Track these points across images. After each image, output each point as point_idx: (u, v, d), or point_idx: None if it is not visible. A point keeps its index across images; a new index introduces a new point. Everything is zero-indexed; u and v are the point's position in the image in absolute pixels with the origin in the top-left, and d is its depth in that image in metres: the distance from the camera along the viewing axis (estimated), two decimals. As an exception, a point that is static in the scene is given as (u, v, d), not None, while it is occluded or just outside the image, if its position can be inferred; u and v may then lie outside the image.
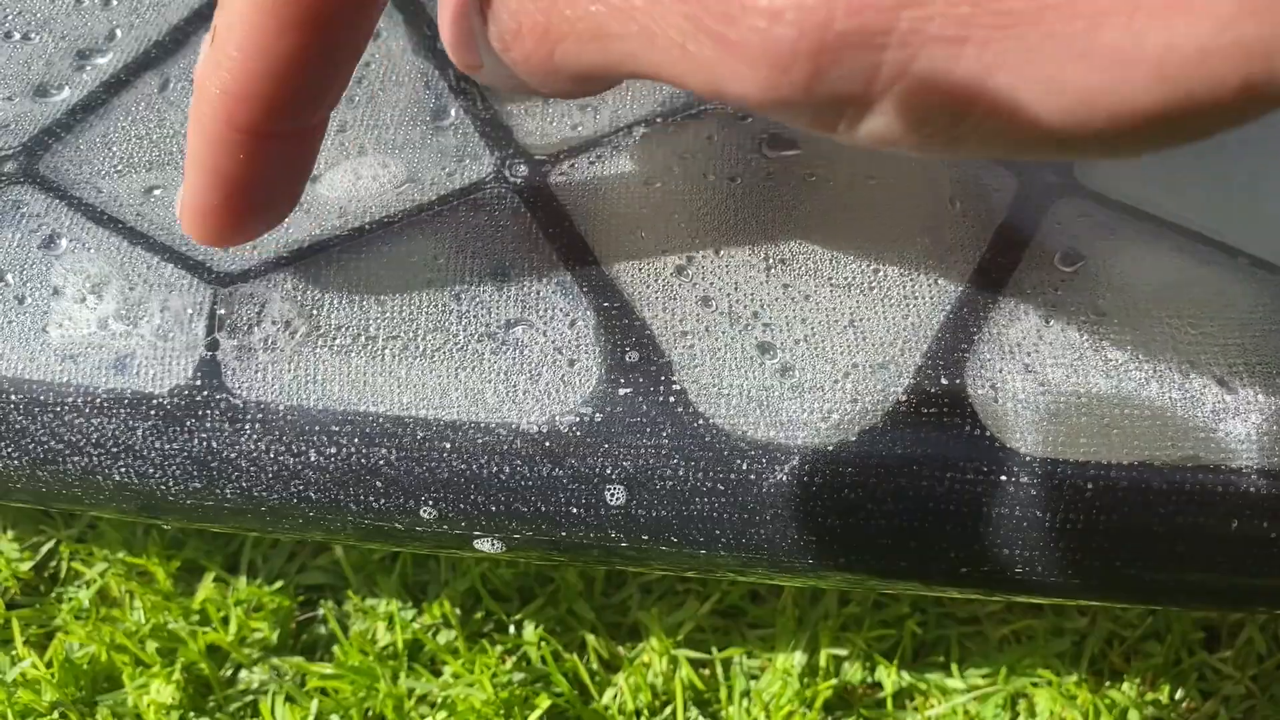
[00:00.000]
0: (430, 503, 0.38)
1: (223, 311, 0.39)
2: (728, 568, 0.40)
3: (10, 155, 0.43)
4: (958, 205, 0.41)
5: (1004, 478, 0.36)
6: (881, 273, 0.39)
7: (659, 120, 0.44)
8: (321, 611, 0.55)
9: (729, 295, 0.39)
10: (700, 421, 0.37)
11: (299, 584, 0.55)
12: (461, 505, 0.38)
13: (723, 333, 0.38)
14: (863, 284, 0.39)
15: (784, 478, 0.37)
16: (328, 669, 0.52)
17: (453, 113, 0.44)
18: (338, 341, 0.39)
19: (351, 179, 0.42)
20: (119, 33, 0.47)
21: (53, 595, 0.55)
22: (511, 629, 0.54)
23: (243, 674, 0.53)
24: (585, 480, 0.37)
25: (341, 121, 0.44)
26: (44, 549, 0.56)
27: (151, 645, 0.52)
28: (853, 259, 0.40)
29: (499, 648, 0.53)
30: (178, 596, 0.54)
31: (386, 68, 0.45)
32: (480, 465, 0.37)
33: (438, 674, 0.53)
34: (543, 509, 0.38)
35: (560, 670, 0.52)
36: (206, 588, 0.54)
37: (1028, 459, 0.36)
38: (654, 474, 0.37)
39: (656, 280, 0.39)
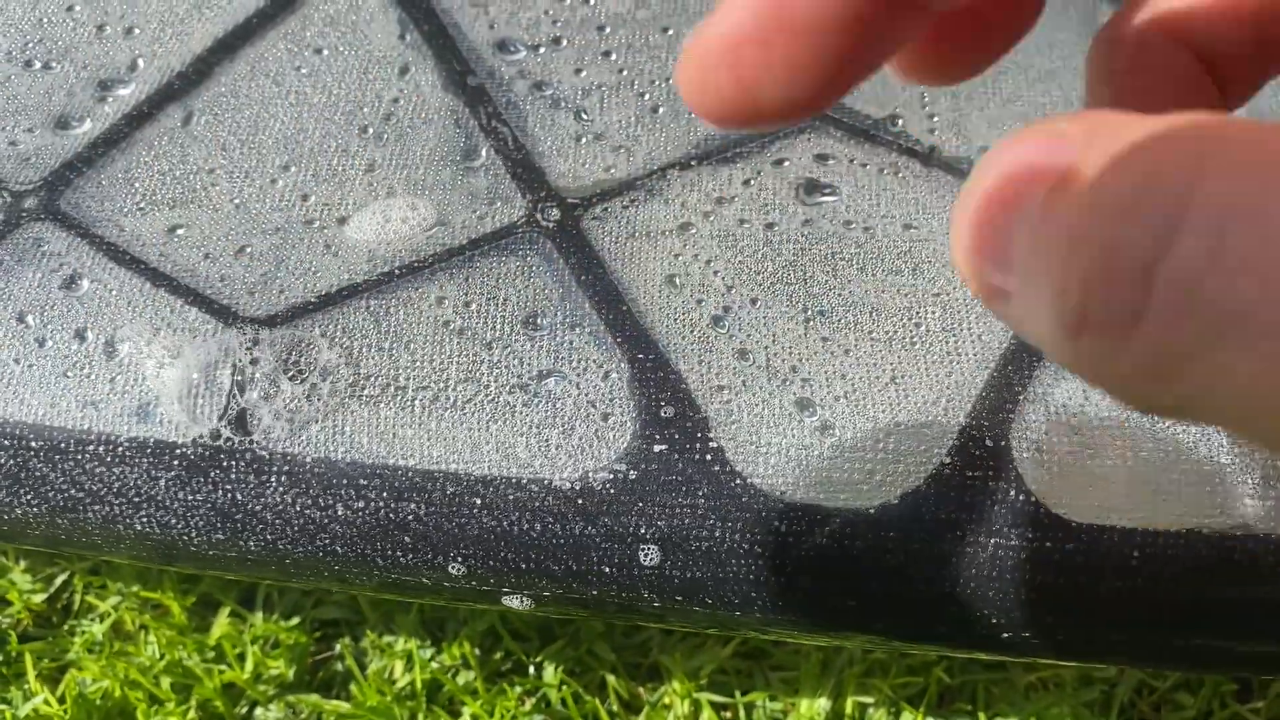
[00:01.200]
0: (459, 559, 0.37)
1: (249, 359, 0.38)
2: (756, 627, 0.39)
3: (31, 190, 0.43)
4: (1000, 256, 0.40)
5: (1048, 544, 0.35)
6: (923, 328, 0.38)
7: (694, 163, 0.43)
8: (339, 648, 0.54)
9: (767, 348, 0.38)
10: (738, 481, 0.36)
11: (315, 619, 0.54)
12: (491, 562, 0.37)
13: (760, 388, 0.37)
14: (904, 339, 0.38)
15: (823, 540, 0.36)
16: (344, 708, 0.52)
17: (484, 153, 0.43)
18: (366, 391, 0.38)
19: (380, 221, 0.41)
20: (141, 62, 0.46)
21: (65, 628, 0.54)
22: (531, 670, 0.53)
23: (258, 711, 0.52)
24: (619, 539, 0.36)
25: (370, 160, 0.43)
26: (57, 580, 0.55)
27: (166, 681, 0.51)
28: (893, 312, 0.39)
29: (518, 689, 0.52)
30: (192, 631, 0.53)
31: (416, 104, 0.45)
32: (511, 522, 0.36)
33: (456, 715, 0.52)
34: (574, 567, 0.37)
35: (580, 713, 0.51)
36: (222, 623, 0.53)
37: (1073, 525, 0.35)
38: (689, 534, 0.36)
39: (692, 331, 0.38)
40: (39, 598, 0.55)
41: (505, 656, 0.54)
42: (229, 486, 0.37)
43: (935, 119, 0.44)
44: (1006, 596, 0.36)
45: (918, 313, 0.39)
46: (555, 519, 0.36)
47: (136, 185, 0.43)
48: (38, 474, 0.38)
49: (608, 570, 0.37)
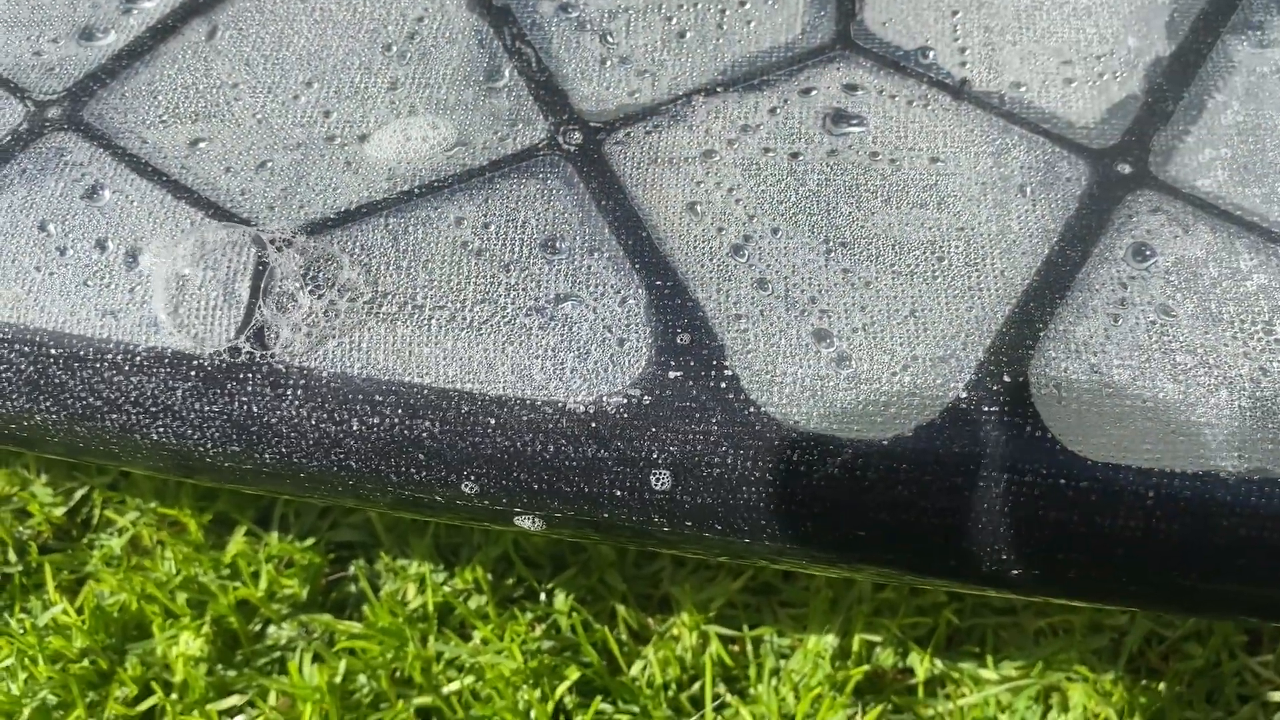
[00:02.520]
0: (472, 478, 0.37)
1: (267, 272, 0.38)
2: (766, 556, 0.39)
3: (54, 100, 0.43)
4: (1028, 193, 0.39)
5: (1063, 481, 0.35)
6: (945, 262, 0.38)
7: (719, 89, 0.42)
8: (353, 569, 0.55)
9: (786, 278, 0.38)
10: (751, 409, 0.36)
11: (330, 540, 0.55)
12: (504, 482, 0.37)
13: (778, 317, 0.37)
14: (925, 273, 0.38)
15: (835, 471, 0.36)
16: (356, 628, 0.52)
17: (507, 74, 0.43)
18: (384, 309, 0.38)
19: (401, 140, 0.41)
20: (167, -25, 0.46)
21: (84, 541, 0.55)
22: (542, 597, 0.53)
23: (271, 629, 0.53)
24: (631, 463, 0.36)
25: (392, 78, 0.43)
26: (77, 495, 0.56)
27: (181, 597, 0.52)
28: (916, 246, 0.38)
29: (529, 615, 0.52)
30: (208, 549, 0.54)
31: (440, 23, 0.44)
32: (524, 442, 0.37)
33: (467, 638, 0.53)
34: (586, 490, 0.37)
35: (589, 640, 0.52)
36: (238, 541, 0.54)
37: (1089, 463, 0.35)
38: (702, 461, 0.36)
39: (711, 260, 0.38)
40: (59, 511, 0.56)
41: (517, 583, 0.54)
42: (245, 399, 0.37)
43: (967, 52, 0.43)
44: (1018, 532, 0.36)
45: (941, 247, 0.38)
46: (568, 441, 0.36)
47: (159, 98, 0.42)
48: (57, 381, 0.38)
49: (619, 494, 0.37)
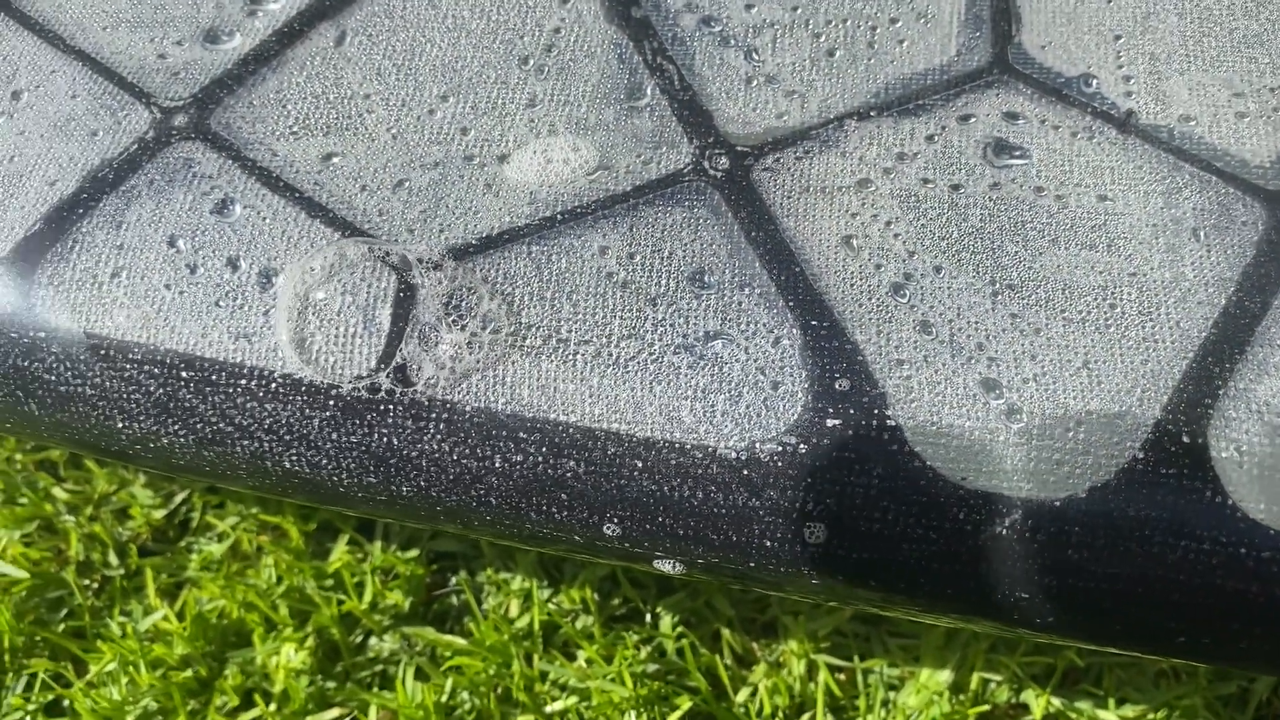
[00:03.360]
0: (615, 520, 0.36)
1: (410, 301, 0.37)
2: (918, 613, 0.37)
3: (181, 107, 0.41)
4: (1201, 237, 0.37)
5: (1243, 550, 0.33)
6: (1118, 310, 0.36)
7: (873, 113, 0.40)
8: (455, 582, 0.54)
9: (951, 322, 0.36)
10: (916, 463, 0.34)
11: (432, 550, 0.54)
12: (648, 526, 0.36)
13: (943, 364, 0.35)
14: (1097, 321, 0.36)
15: (1003, 531, 0.34)
16: (460, 643, 0.51)
17: (649, 91, 0.41)
18: (528, 341, 0.36)
19: (541, 162, 0.39)
20: (291, -25, 0.44)
21: (183, 544, 0.54)
22: (648, 618, 0.52)
23: (373, 641, 0.52)
24: (783, 514, 0.35)
25: (530, 94, 0.41)
26: (177, 498, 0.55)
27: (284, 606, 0.51)
28: (1086, 291, 0.36)
29: (634, 636, 0.51)
30: (309, 557, 0.53)
31: (578, 35, 0.42)
32: (672, 487, 0.35)
33: (571, 658, 0.51)
34: (734, 539, 0.35)
35: (697, 665, 0.51)
36: (340, 551, 0.53)
37: (1272, 532, 0.33)
38: (860, 515, 0.34)
39: (870, 299, 0.36)
40: (159, 513, 0.55)
41: (623, 603, 0.53)
42: (385, 431, 0.36)
43: (1131, 81, 0.41)
44: (1193, 601, 0.34)
45: (1112, 293, 0.36)
46: (718, 488, 0.35)
47: (289, 108, 0.41)
48: (187, 405, 0.37)
49: (769, 545, 0.35)
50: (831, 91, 0.41)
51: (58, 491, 0.56)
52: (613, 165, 0.39)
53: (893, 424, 0.34)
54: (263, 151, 0.40)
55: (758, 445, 0.35)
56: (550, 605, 0.52)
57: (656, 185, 0.39)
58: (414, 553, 0.53)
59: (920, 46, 0.42)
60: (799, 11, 0.43)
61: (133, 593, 0.53)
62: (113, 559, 0.54)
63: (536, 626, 0.51)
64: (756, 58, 0.42)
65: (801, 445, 0.34)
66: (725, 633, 0.53)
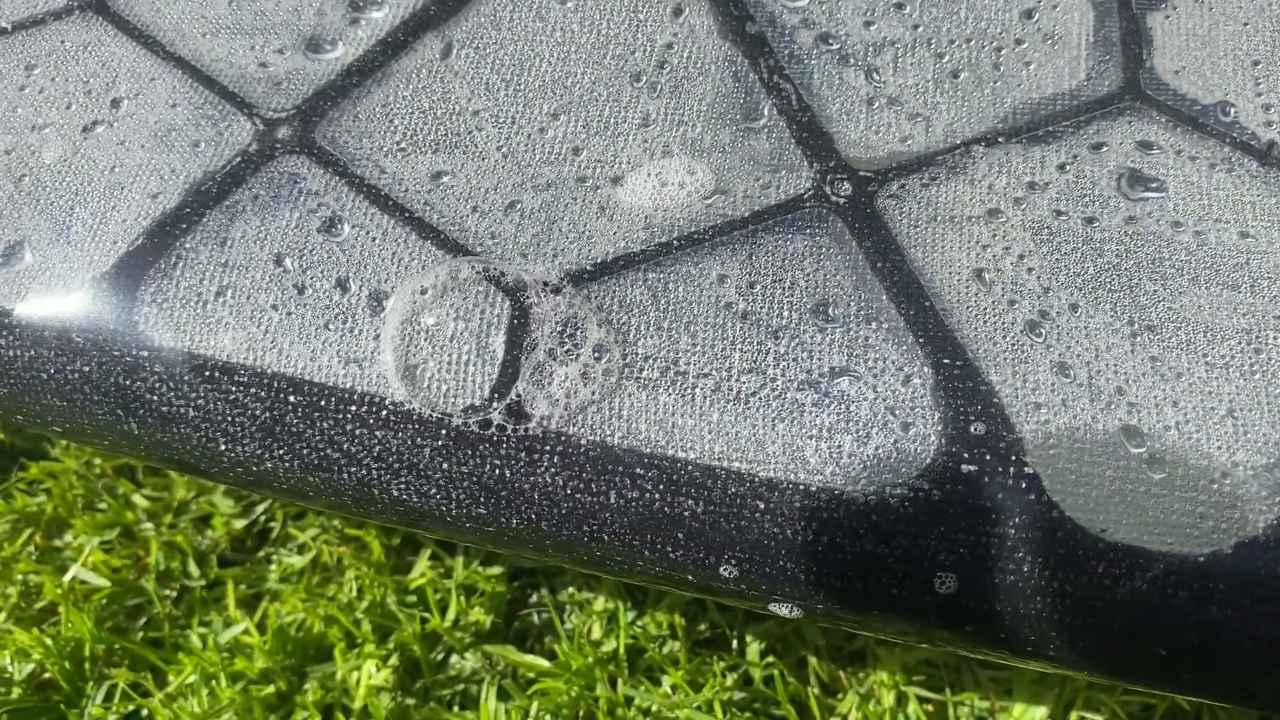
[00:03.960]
0: (733, 562, 0.35)
1: (524, 328, 0.35)
2: (1046, 666, 0.36)
3: (284, 119, 0.40)
4: (1352, 277, 0.36)
5: (1399, 613, 0.32)
6: (1264, 355, 0.34)
7: (1000, 139, 0.39)
8: (536, 599, 0.53)
9: (1089, 364, 0.34)
10: (1054, 513, 0.33)
11: (514, 567, 0.53)
12: (768, 569, 0.35)
13: (1082, 409, 0.34)
14: (1242, 366, 0.34)
15: (1143, 586, 0.32)
16: (543, 664, 0.50)
17: (765, 111, 0.40)
18: (645, 374, 0.35)
19: (656, 185, 0.38)
20: (394, -17, 0.43)
21: (262, 555, 0.54)
22: (734, 644, 0.51)
23: (454, 659, 0.51)
24: (913, 563, 0.33)
25: (644, 113, 0.40)
26: (258, 508, 0.54)
27: (366, 622, 0.51)
28: (1230, 334, 0.35)
29: (721, 663, 0.50)
30: (391, 571, 0.52)
31: (691, 51, 0.41)
32: (795, 530, 0.34)
33: (655, 682, 0.50)
34: (859, 586, 0.34)
35: (785, 694, 0.49)
36: (423, 565, 0.52)
37: None
38: (994, 566, 0.33)
39: (1005, 337, 0.35)
40: (239, 523, 0.54)
41: (709, 628, 0.52)
42: (498, 463, 0.35)
43: (1272, 110, 0.39)
44: (1342, 666, 0.32)
45: (1258, 336, 0.35)
46: (845, 534, 0.34)
47: (396, 122, 0.40)
48: (293, 430, 0.36)
49: (895, 592, 0.34)
50: (957, 115, 0.39)
51: (138, 498, 0.55)
52: (730, 189, 0.38)
53: (1030, 472, 0.33)
54: (370, 168, 0.39)
55: (888, 490, 0.33)
56: (635, 628, 0.51)
57: (776, 211, 0.38)
58: (496, 570, 0.53)
59: (1048, 69, 0.40)
60: (920, 30, 0.41)
61: (212, 603, 0.53)
62: (193, 568, 0.53)
63: (622, 650, 0.50)
64: (877, 78, 0.40)
65: (935, 491, 0.33)
66: (813, 661, 0.51)
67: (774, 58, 0.41)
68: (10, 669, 0.50)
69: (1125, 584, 0.32)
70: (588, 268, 0.36)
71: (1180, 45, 0.41)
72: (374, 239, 0.37)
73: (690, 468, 0.34)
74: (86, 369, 0.37)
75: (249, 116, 0.40)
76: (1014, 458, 0.33)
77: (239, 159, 0.39)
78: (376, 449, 0.36)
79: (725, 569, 0.35)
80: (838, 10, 0.42)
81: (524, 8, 0.42)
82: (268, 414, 0.36)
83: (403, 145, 0.39)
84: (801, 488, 0.34)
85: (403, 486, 0.36)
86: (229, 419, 0.37)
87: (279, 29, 0.42)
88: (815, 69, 0.40)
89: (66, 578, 0.53)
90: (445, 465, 0.35)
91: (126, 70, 0.42)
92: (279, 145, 0.40)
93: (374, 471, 0.36)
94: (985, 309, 0.35)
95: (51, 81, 0.42)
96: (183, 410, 0.37)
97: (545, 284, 0.36)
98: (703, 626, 0.52)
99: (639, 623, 0.52)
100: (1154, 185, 0.37)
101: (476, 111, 0.40)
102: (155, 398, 0.37)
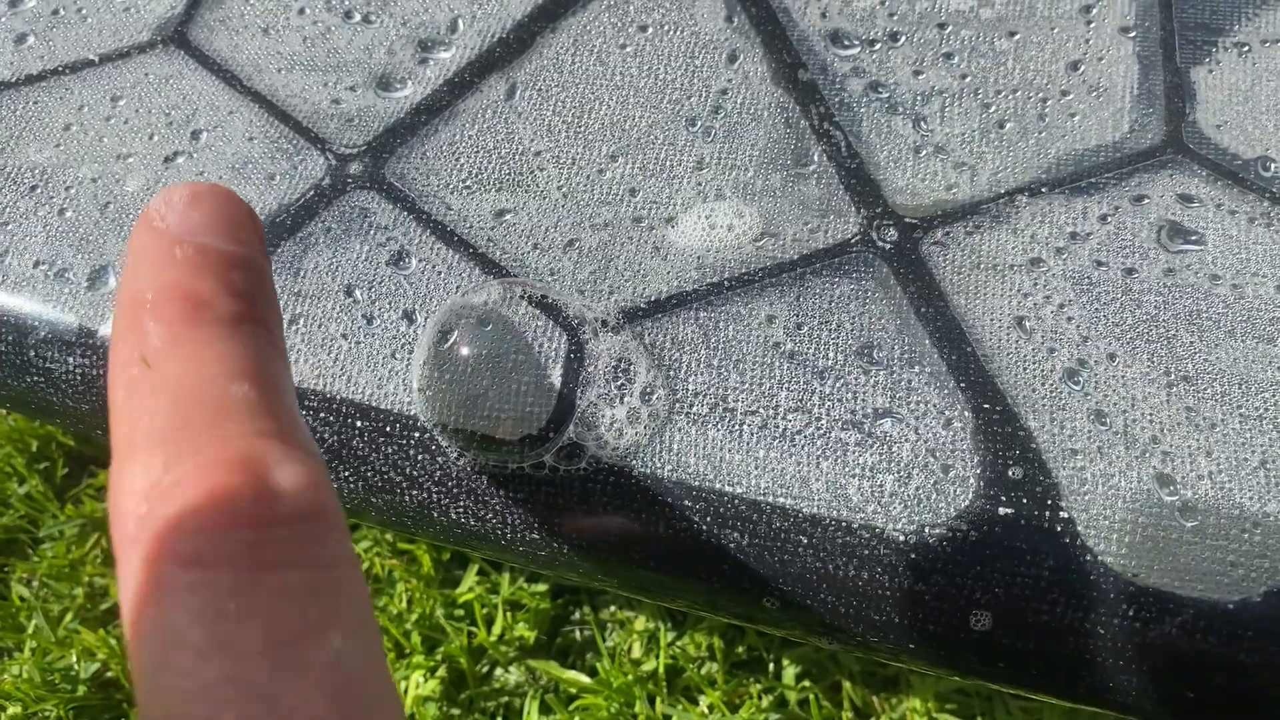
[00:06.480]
0: (776, 595, 0.36)
1: (580, 361, 0.37)
2: (1074, 702, 0.37)
3: (356, 155, 0.42)
4: (1386, 334, 0.36)
5: None
6: (1298, 407, 0.35)
7: (1044, 189, 0.40)
8: (578, 615, 0.54)
9: (1125, 413, 0.35)
10: (1088, 557, 0.34)
11: (557, 584, 0.55)
12: (809, 602, 0.36)
13: (1118, 456, 0.35)
14: (1276, 419, 0.35)
15: (1172, 630, 0.33)
16: (585, 681, 0.52)
17: (815, 158, 0.41)
18: (695, 409, 0.36)
19: (705, 227, 0.40)
20: (461, 24, 0.45)
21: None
22: (770, 666, 0.52)
23: (498, 672, 0.53)
24: (950, 600, 0.35)
25: (699, 157, 0.41)
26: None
27: (416, 634, 0.52)
28: (1264, 387, 0.36)
29: (757, 685, 0.52)
30: (439, 585, 0.54)
31: (745, 97, 0.43)
32: (837, 566, 0.35)
33: (693, 701, 0.52)
34: (897, 621, 0.35)
35: (820, 718, 0.51)
36: (470, 579, 0.54)
37: None
38: (1029, 606, 0.34)
39: (1044, 384, 0.36)
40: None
41: (747, 650, 0.53)
42: (553, 490, 0.37)
43: (1313, 164, 0.40)
44: (1367, 714, 0.33)
45: (1292, 389, 0.36)
46: (885, 570, 0.35)
47: (462, 161, 0.42)
48: (359, 454, 0.38)
49: (932, 629, 0.35)
50: (1002, 165, 0.41)
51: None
52: (780, 232, 0.40)
53: (1065, 516, 0.34)
54: (437, 204, 0.41)
55: (927, 529, 0.35)
56: (674, 648, 0.53)
57: (824, 255, 0.39)
58: (541, 587, 0.54)
59: (1092, 121, 0.41)
60: (968, 80, 0.42)
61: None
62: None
63: (661, 670, 0.52)
64: (925, 126, 0.42)
65: (972, 532, 0.34)
66: (847, 686, 0.53)
67: (824, 105, 0.42)
68: (77, 667, 0.52)
69: (1155, 627, 0.34)
70: (642, 305, 0.38)
71: (1222, 100, 0.42)
72: (440, 273, 0.39)
73: (737, 502, 0.36)
74: (165, 389, 0.39)
75: (322, 152, 0.42)
76: (1050, 502, 0.34)
77: (312, 193, 0.41)
78: (438, 474, 0.37)
79: (768, 600, 0.36)
80: (887, 59, 0.43)
81: (585, 52, 0.44)
82: (335, 438, 0.38)
83: (468, 183, 0.41)
84: (844, 524, 0.35)
85: (461, 510, 0.38)
86: (298, 441, 0.38)
87: (351, 67, 0.45)
88: (864, 116, 0.42)
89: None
90: (501, 491, 0.37)
91: (206, 103, 0.44)
92: (350, 180, 0.42)
93: (434, 495, 0.38)
94: (1025, 356, 0.37)
95: (135, 112, 0.44)
96: (254, 431, 0.39)
97: (602, 321, 0.38)
98: (740, 649, 0.53)
99: (678, 643, 0.53)
100: (1193, 238, 0.39)
101: (538, 152, 0.42)
102: (229, 419, 0.39)
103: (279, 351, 0.23)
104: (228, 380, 0.20)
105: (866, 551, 0.35)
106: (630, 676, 0.51)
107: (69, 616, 0.55)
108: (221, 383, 0.20)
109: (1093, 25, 0.44)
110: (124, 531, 0.18)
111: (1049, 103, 0.42)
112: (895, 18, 0.44)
